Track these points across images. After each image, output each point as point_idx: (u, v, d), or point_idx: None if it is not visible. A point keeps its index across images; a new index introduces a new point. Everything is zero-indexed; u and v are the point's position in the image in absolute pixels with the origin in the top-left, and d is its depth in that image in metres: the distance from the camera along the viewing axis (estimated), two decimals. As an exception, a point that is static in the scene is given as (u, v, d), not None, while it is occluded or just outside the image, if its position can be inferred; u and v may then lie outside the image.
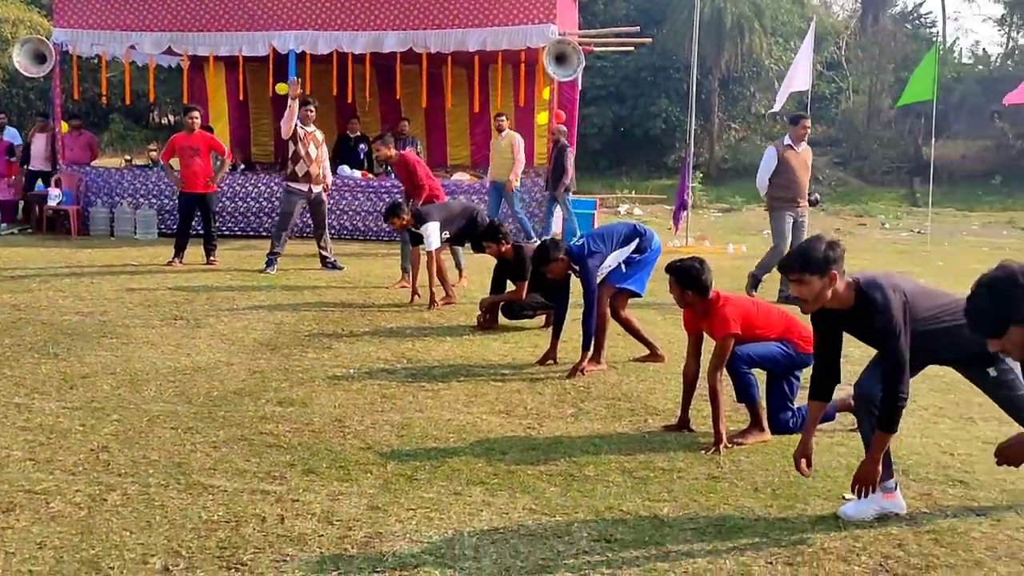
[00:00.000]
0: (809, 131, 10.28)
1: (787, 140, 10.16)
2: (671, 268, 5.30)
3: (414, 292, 9.13)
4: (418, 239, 9.02)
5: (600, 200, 18.23)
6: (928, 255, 15.03)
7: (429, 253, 8.82)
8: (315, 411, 5.58)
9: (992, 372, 4.05)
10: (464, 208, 9.29)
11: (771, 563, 3.65)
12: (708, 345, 5.30)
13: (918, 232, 18.13)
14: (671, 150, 29.62)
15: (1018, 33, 35.06)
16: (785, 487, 4.44)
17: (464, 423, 5.42)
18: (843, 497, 4.27)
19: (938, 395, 6.04)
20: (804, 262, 3.89)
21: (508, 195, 12.91)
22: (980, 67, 35.78)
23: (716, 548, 3.78)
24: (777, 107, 18.99)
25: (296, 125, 10.76)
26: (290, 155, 10.83)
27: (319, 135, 11.03)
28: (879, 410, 3.94)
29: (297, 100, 10.71)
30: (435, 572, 3.53)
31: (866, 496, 4.01)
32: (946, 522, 4.02)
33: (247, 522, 3.95)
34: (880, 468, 3.93)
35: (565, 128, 13.63)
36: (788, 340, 5.29)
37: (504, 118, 13.33)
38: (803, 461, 4.18)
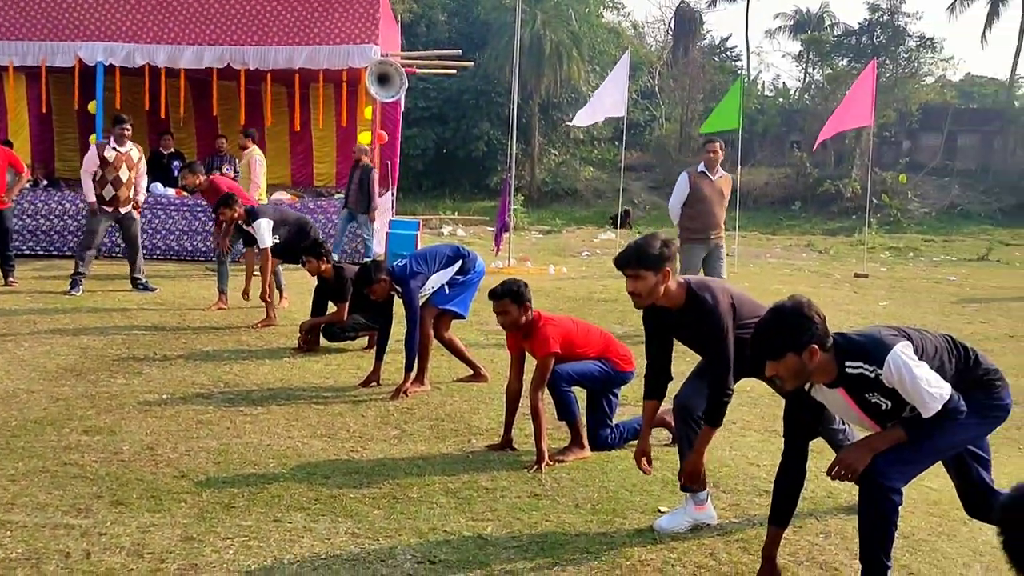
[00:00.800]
0: (721, 156, 9.23)
1: (700, 167, 9.30)
2: (493, 293, 5.35)
3: (245, 293, 9.18)
4: (249, 240, 8.86)
5: (423, 221, 18.25)
6: (736, 276, 15.81)
7: (264, 251, 8.65)
8: (124, 439, 5.31)
9: None
10: (298, 217, 9.18)
11: (592, 577, 3.73)
12: (531, 365, 5.38)
13: (727, 255, 19.06)
14: (493, 172, 30.01)
15: (814, 69, 37.55)
16: (604, 502, 4.55)
17: (284, 448, 5.29)
18: (659, 510, 4.42)
19: (745, 409, 6.34)
20: (640, 257, 4.02)
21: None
22: (781, 99, 38.10)
23: (539, 565, 3.83)
24: (576, 122, 19.57)
25: (107, 145, 10.29)
26: (97, 179, 10.30)
27: (135, 153, 10.51)
28: (709, 405, 4.11)
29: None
30: (254, 603, 3.42)
31: (698, 488, 4.18)
32: (753, 531, 4.21)
33: (49, 559, 3.71)
34: (703, 461, 4.09)
35: (367, 147, 13.54)
36: (607, 358, 5.43)
37: (251, 136, 12.90)
38: (643, 459, 4.34)
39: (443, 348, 6.96)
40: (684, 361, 4.56)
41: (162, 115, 13.76)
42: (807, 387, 3.48)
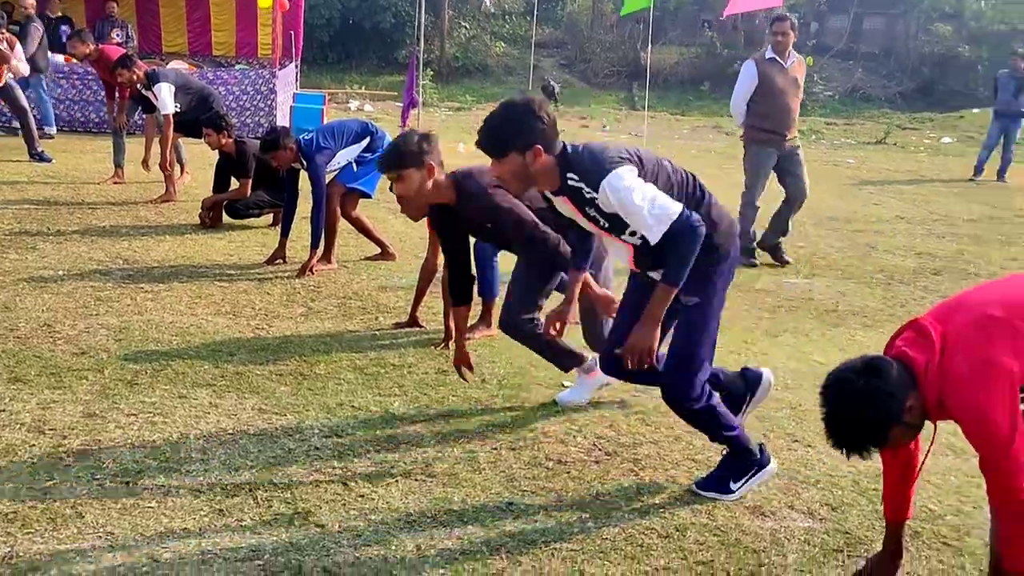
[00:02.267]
0: (793, 37, 7.51)
1: (768, 52, 7.54)
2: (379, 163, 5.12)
3: (145, 163, 8.87)
4: (149, 108, 8.51)
5: (329, 95, 17.79)
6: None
7: (165, 117, 8.29)
8: (20, 316, 5.19)
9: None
10: (202, 87, 8.78)
11: (496, 448, 3.84)
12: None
13: (636, 135, 19.12)
14: (401, 45, 29.22)
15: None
16: (510, 378, 4.66)
17: (188, 325, 5.24)
18: (563, 385, 4.54)
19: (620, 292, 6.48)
20: (400, 156, 3.93)
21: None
22: (692, -23, 37.73)
23: (444, 438, 3.93)
24: (488, 2, 19.03)
25: None
26: None
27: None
28: (545, 262, 4.07)
29: None
30: (159, 477, 3.43)
31: (580, 360, 4.27)
32: (651, 403, 4.37)
33: (-55, 437, 3.65)
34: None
35: None
36: None
37: None
38: (463, 367, 4.18)
39: (351, 226, 6.90)
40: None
41: (48, -24, 12.97)
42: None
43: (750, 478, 3.52)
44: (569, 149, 3.21)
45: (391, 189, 4.43)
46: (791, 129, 7.48)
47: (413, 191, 3.95)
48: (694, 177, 3.37)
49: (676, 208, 3.10)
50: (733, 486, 3.50)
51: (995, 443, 2.45)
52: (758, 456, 3.53)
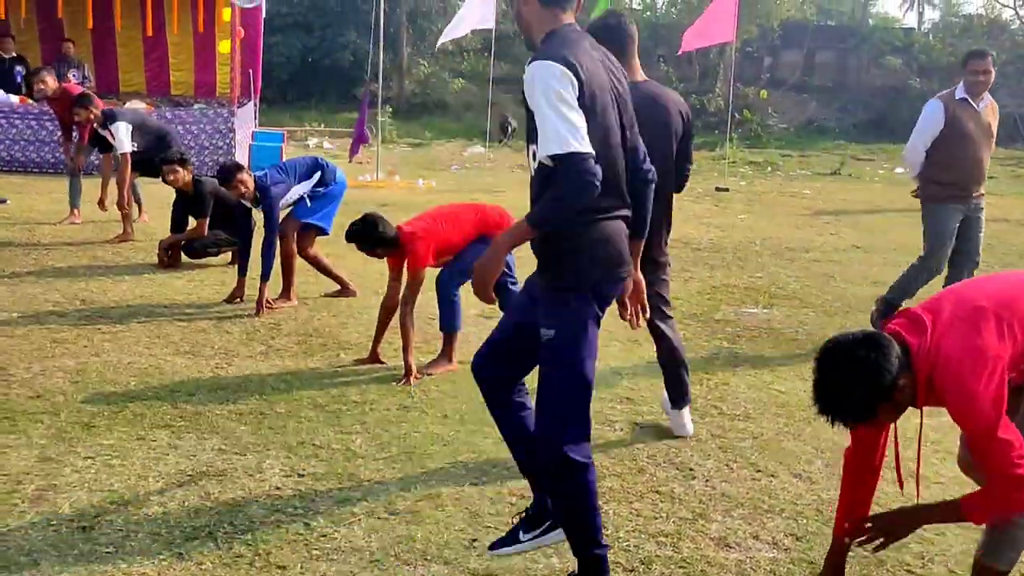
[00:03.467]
0: (992, 77, 6.24)
1: (959, 91, 6.25)
2: (349, 237, 5.23)
3: (101, 202, 8.80)
4: (105, 147, 8.44)
5: (288, 133, 17.78)
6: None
7: (123, 156, 8.24)
8: (-27, 360, 5.10)
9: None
10: (159, 126, 8.77)
11: (459, 484, 3.82)
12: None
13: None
14: (360, 83, 29.19)
15: (680, -17, 37.77)
16: (472, 413, 4.63)
17: (146, 366, 5.18)
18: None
19: (609, 319, 6.50)
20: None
21: None
22: (648, 13, 38.30)
23: (407, 475, 3.90)
24: (443, 39, 19.11)
25: None
26: None
27: None
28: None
29: None
30: (118, 520, 3.37)
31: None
32: (614, 435, 4.38)
33: None
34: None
35: None
36: (487, 233, 5.23)
37: None
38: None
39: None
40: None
41: (1, 16, 12.88)
42: None
43: (541, 534, 3.09)
44: (566, 23, 2.87)
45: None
46: (979, 184, 6.28)
47: None
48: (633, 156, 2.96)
49: (582, 146, 2.63)
50: (523, 536, 3.11)
51: (982, 425, 2.51)
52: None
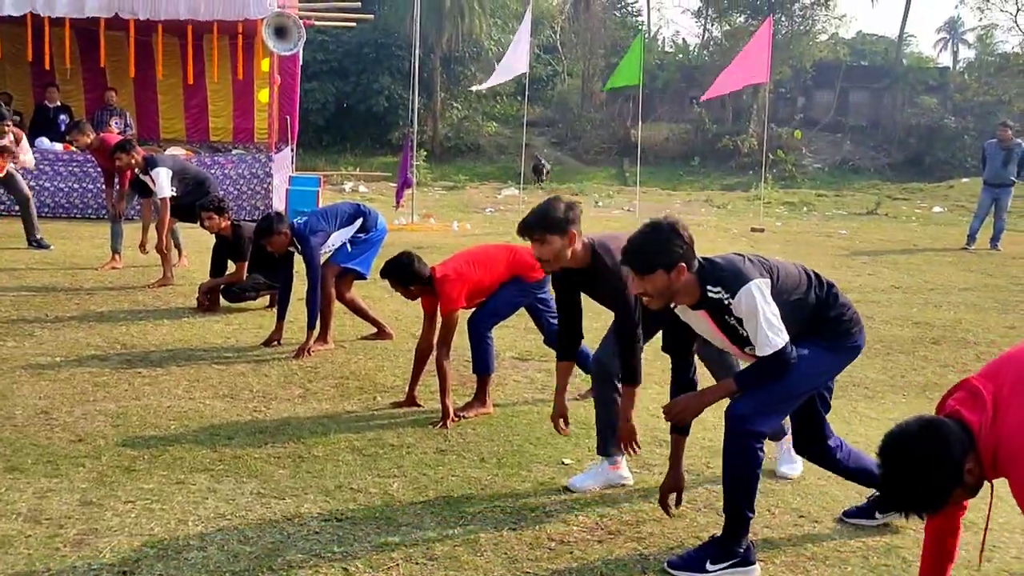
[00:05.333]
0: None
1: None
2: (385, 273, 5.26)
3: (143, 246, 8.91)
4: (146, 192, 8.59)
5: (324, 177, 17.99)
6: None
7: (162, 201, 8.38)
8: (17, 403, 5.16)
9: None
10: (198, 171, 8.94)
11: (497, 529, 3.79)
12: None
13: (628, 210, 19.29)
14: (394, 127, 29.66)
15: (712, 25, 37.98)
16: (509, 456, 4.62)
17: (186, 409, 5.21)
18: (562, 462, 4.51)
19: (647, 362, 6.46)
20: (546, 222, 4.01)
21: None
22: (680, 56, 38.52)
23: (445, 519, 3.88)
24: (485, 86, 19.41)
25: None
26: None
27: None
28: (623, 365, 4.14)
29: None
30: (158, 566, 3.38)
31: (632, 451, 4.19)
32: (653, 480, 4.33)
33: (-61, 529, 3.60)
34: (633, 425, 4.11)
35: None
36: (518, 275, 5.31)
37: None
38: (560, 420, 4.37)
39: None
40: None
41: (47, 66, 13.18)
42: (673, 306, 3.52)
43: (730, 567, 3.45)
44: (705, 263, 3.41)
45: (401, 294, 4.61)
46: None
47: (553, 257, 4.05)
48: (814, 273, 3.70)
49: (785, 338, 3.38)
50: (710, 567, 3.43)
51: None
52: (743, 550, 3.47)
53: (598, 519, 3.93)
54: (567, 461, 4.50)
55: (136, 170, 8.55)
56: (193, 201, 8.27)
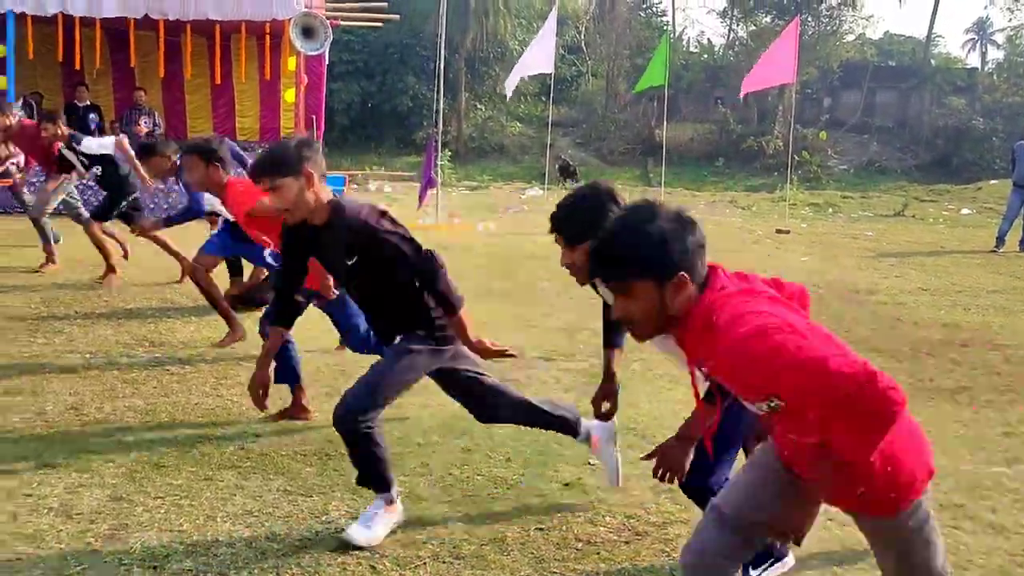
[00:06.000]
0: None
1: None
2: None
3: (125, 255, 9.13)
4: (67, 167, 8.68)
5: (349, 176, 18.07)
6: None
7: (116, 141, 8.47)
8: (48, 400, 5.21)
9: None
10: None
11: (524, 529, 3.79)
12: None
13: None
14: (419, 127, 29.76)
15: (738, 25, 37.85)
16: (535, 455, 4.62)
17: (213, 406, 5.25)
18: (589, 462, 4.50)
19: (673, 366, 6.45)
20: (274, 163, 3.52)
21: None
22: (705, 56, 38.38)
23: (471, 519, 3.89)
24: (509, 92, 19.46)
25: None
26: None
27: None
28: (434, 297, 3.73)
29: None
30: (187, 561, 3.41)
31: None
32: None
33: (-27, 523, 3.64)
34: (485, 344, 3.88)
35: None
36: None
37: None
38: (259, 391, 3.86)
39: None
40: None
41: (77, 66, 13.33)
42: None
43: (770, 565, 3.43)
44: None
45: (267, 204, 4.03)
46: None
47: (291, 203, 3.51)
48: None
49: None
50: (753, 572, 3.40)
51: None
52: (775, 546, 3.44)
53: (625, 519, 3.93)
54: (593, 461, 4.50)
55: (61, 144, 8.42)
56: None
